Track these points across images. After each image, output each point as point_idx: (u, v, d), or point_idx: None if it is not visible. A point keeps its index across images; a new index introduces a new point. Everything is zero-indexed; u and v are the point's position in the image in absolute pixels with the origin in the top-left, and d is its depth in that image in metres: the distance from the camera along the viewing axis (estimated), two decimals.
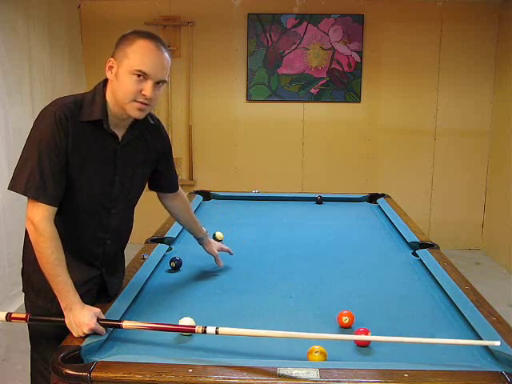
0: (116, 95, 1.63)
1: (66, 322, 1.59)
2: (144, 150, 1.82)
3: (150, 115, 1.80)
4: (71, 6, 4.94)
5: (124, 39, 1.63)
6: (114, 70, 1.62)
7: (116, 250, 1.87)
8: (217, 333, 1.49)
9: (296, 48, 5.10)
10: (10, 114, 3.72)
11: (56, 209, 1.62)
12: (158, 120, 1.88)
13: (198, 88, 5.21)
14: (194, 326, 1.53)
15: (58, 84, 4.40)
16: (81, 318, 1.55)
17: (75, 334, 1.56)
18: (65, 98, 1.67)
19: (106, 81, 1.68)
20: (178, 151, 5.31)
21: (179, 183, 2.11)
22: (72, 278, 1.63)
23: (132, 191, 1.83)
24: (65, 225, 1.69)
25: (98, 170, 1.69)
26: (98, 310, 1.61)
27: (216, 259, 2.19)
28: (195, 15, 5.09)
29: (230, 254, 2.26)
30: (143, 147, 1.81)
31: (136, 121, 1.73)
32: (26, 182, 1.58)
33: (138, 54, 1.58)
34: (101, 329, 1.56)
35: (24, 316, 1.67)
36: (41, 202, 1.58)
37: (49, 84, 4.28)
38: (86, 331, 1.54)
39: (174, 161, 2.03)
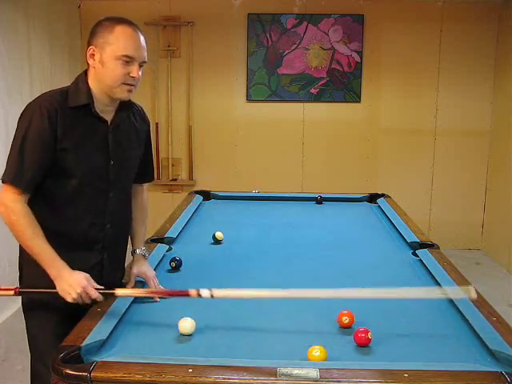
0: (104, 80, 1.70)
1: (58, 290, 1.65)
2: (134, 133, 1.88)
3: (134, 103, 1.90)
4: (71, 6, 4.94)
5: (101, 26, 1.70)
6: (96, 57, 1.69)
7: (117, 234, 1.88)
8: (212, 296, 1.60)
9: (296, 48, 5.10)
10: (9, 113, 3.72)
11: (28, 196, 1.67)
12: (141, 107, 1.97)
13: (198, 88, 5.21)
14: (188, 291, 1.63)
15: (58, 84, 4.35)
16: (71, 280, 1.63)
17: (69, 298, 1.63)
18: (50, 91, 1.75)
19: (85, 71, 1.76)
20: (178, 151, 5.31)
21: (154, 176, 2.12)
22: (74, 268, 1.67)
23: (128, 174, 1.89)
24: (64, 212, 1.74)
25: (91, 155, 1.74)
26: (87, 274, 1.67)
27: (130, 277, 1.92)
28: (195, 15, 5.09)
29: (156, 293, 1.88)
30: (133, 130, 1.88)
31: (122, 105, 1.81)
32: (5, 169, 1.65)
33: (121, 40, 1.67)
34: (93, 291, 1.65)
35: (12, 288, 1.70)
36: (15, 186, 1.64)
37: (49, 84, 4.28)
38: (79, 290, 1.62)
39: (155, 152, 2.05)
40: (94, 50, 1.69)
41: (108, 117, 1.78)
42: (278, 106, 5.23)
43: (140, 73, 1.72)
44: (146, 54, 1.73)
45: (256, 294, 1.64)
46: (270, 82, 5.15)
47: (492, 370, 1.36)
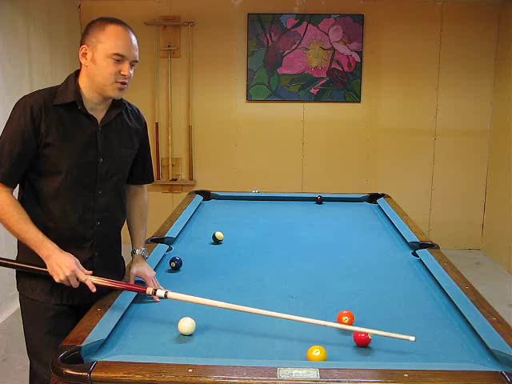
0: (95, 79, 1.72)
1: (49, 270, 1.69)
2: (126, 131, 1.89)
3: (129, 104, 1.92)
4: (71, 6, 4.94)
5: (93, 26, 1.73)
6: (88, 56, 1.72)
7: (108, 232, 1.89)
8: (166, 296, 1.70)
9: (296, 48, 5.10)
10: (9, 113, 3.72)
11: (11, 189, 1.71)
12: (137, 108, 1.99)
13: (198, 88, 5.21)
14: (146, 288, 1.75)
15: (58, 84, 4.40)
16: (61, 260, 1.67)
17: (57, 279, 1.67)
18: (39, 90, 1.79)
19: (77, 71, 1.79)
20: (178, 151, 5.31)
21: (154, 178, 2.12)
22: None
23: (119, 172, 1.89)
24: (52, 207, 1.75)
25: (79, 152, 1.75)
26: (76, 258, 1.71)
27: (129, 278, 1.92)
28: (195, 15, 5.09)
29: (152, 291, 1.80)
30: (125, 128, 1.89)
31: (114, 104, 1.83)
32: None
33: (113, 39, 1.69)
34: (82, 274, 1.68)
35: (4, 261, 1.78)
36: None
37: (49, 84, 4.24)
38: (68, 273, 1.66)
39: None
40: (86, 49, 1.71)
41: (98, 115, 1.80)
42: (277, 106, 5.23)
43: (132, 72, 1.74)
44: (137, 53, 1.75)
45: (209, 303, 1.67)
46: (270, 82, 5.16)
47: (492, 370, 1.36)
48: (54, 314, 1.80)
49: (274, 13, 5.05)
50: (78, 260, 1.72)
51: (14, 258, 1.86)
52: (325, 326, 1.60)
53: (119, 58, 1.69)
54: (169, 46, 5.12)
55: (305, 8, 5.08)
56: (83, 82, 1.75)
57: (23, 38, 3.97)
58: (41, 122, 1.69)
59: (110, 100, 1.81)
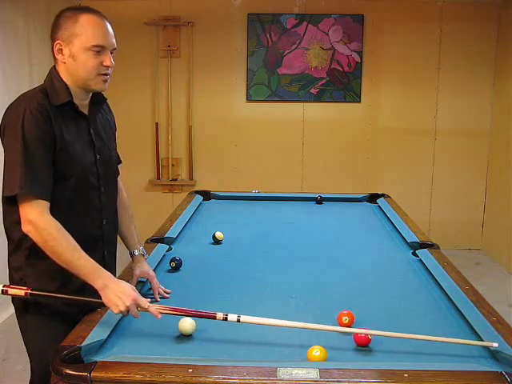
0: (77, 74, 1.65)
1: (105, 301, 1.57)
2: (107, 124, 1.88)
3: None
4: None
5: (63, 17, 1.63)
6: (65, 52, 1.63)
7: (112, 229, 1.88)
8: (238, 321, 1.54)
9: (296, 48, 5.10)
10: None
11: (49, 203, 1.59)
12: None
13: (198, 88, 5.21)
14: (215, 314, 1.56)
15: None
16: (120, 291, 1.55)
17: (116, 310, 1.55)
18: (27, 93, 1.69)
19: (55, 67, 1.71)
20: (178, 151, 5.31)
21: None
22: None
23: (113, 166, 1.89)
24: (67, 213, 1.68)
25: (81, 151, 1.71)
26: (132, 285, 1.63)
27: (132, 279, 1.90)
28: (195, 15, 5.09)
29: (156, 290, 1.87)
30: (106, 122, 1.88)
31: (94, 98, 1.77)
32: (18, 183, 1.53)
33: (89, 30, 1.61)
34: (144, 302, 1.56)
35: (24, 289, 1.62)
36: (34, 198, 1.55)
37: None
38: (129, 303, 1.54)
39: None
40: (61, 45, 1.63)
41: (85, 111, 1.76)
42: (277, 106, 5.23)
43: (113, 61, 1.67)
44: (114, 40, 1.67)
45: (281, 324, 1.55)
46: (270, 82, 5.15)
47: (492, 370, 1.36)
48: (58, 319, 1.74)
49: (274, 13, 5.05)
50: (133, 286, 1.64)
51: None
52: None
53: (99, 49, 1.61)
54: (169, 46, 5.12)
55: (305, 8, 5.08)
56: (65, 78, 1.67)
57: (23, 38, 3.97)
58: (52, 124, 1.60)
59: (90, 94, 1.75)
